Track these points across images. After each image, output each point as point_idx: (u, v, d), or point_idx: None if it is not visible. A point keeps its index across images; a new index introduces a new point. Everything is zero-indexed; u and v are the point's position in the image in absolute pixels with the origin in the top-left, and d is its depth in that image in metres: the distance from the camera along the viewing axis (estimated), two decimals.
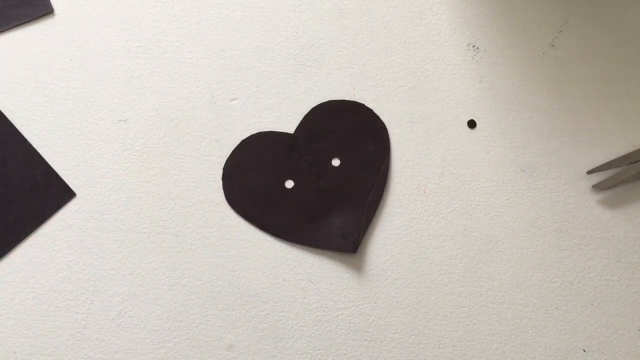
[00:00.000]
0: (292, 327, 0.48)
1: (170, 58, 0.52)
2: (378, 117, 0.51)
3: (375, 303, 0.48)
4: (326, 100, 0.52)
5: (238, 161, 0.50)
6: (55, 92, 0.51)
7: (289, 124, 0.51)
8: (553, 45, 0.53)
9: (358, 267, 0.49)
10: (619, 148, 0.51)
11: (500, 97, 0.52)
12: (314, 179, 0.50)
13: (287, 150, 0.51)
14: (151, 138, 0.51)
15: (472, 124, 0.51)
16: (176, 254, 0.49)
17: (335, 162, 0.51)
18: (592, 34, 0.53)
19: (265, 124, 0.51)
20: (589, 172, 0.50)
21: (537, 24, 0.53)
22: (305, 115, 0.51)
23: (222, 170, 0.50)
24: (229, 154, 0.51)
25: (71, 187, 0.50)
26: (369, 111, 0.51)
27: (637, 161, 0.49)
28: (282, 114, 0.51)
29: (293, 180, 0.50)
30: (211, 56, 0.52)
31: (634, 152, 0.50)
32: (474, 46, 0.53)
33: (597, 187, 0.50)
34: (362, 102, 0.52)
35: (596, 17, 0.53)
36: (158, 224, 0.49)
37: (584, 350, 0.48)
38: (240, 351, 0.48)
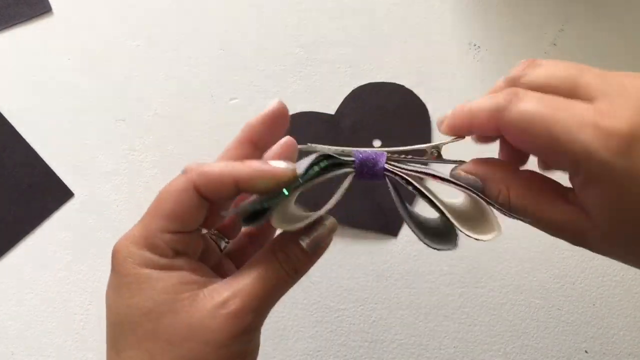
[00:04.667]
0: (292, 328, 0.48)
1: (169, 57, 0.52)
2: (418, 97, 0.51)
3: (375, 304, 0.48)
4: (325, 100, 0.52)
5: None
6: (53, 92, 0.51)
7: None
8: (554, 44, 0.53)
9: (358, 268, 0.49)
10: None
11: None
12: None
13: (330, 131, 0.51)
14: (150, 138, 0.50)
15: None
16: None
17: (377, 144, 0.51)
18: (593, 33, 0.53)
19: None
20: None
21: (538, 22, 0.53)
22: (345, 99, 0.51)
23: None
24: None
25: (69, 187, 0.49)
26: (410, 92, 0.52)
27: None
28: None
29: None
30: (210, 55, 0.52)
31: None
32: (475, 45, 0.53)
33: None
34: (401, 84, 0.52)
35: (597, 16, 0.53)
36: None
37: (586, 351, 0.48)
38: None
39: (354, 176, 0.30)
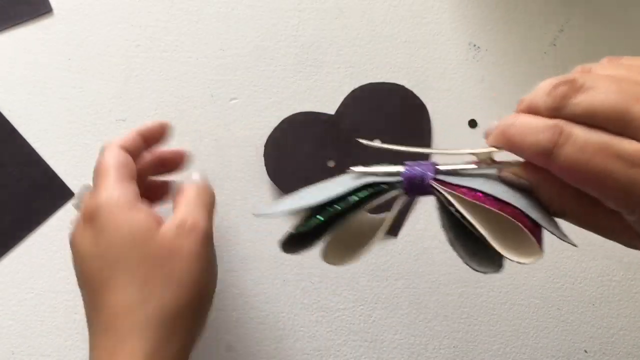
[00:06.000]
0: (291, 328, 0.48)
1: (169, 57, 0.52)
2: (417, 97, 0.51)
3: (375, 304, 0.48)
4: (325, 100, 0.52)
5: (281, 138, 0.51)
6: (54, 92, 0.51)
7: None
8: (554, 45, 0.53)
9: (358, 268, 0.49)
10: None
11: (502, 96, 0.52)
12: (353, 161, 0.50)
13: (329, 131, 0.50)
14: None
15: (473, 123, 0.51)
16: None
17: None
18: (593, 33, 0.53)
19: (265, 123, 0.51)
20: None
21: (538, 22, 0.53)
22: (345, 99, 0.51)
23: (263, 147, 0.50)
24: (228, 153, 0.50)
25: (69, 187, 0.49)
26: (410, 92, 0.51)
27: None
28: (282, 113, 0.51)
29: (334, 161, 0.50)
30: (210, 55, 0.52)
31: None
32: (474, 45, 0.53)
33: None
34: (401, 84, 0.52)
35: (597, 16, 0.53)
36: None
37: (585, 351, 0.48)
38: (239, 352, 0.47)
39: (406, 194, 0.29)
